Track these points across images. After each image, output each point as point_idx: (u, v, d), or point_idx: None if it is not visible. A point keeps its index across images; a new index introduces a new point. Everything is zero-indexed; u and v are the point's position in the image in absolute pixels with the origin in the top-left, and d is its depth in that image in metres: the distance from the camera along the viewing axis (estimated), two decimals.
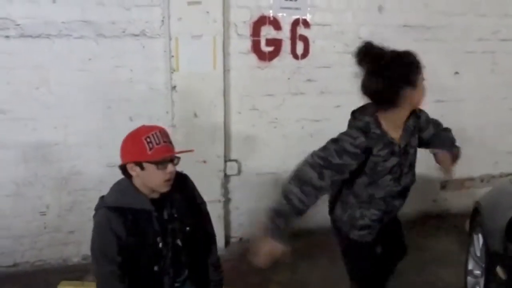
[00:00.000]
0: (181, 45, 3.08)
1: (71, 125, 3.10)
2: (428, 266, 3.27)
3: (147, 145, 1.58)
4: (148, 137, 1.59)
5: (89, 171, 3.18)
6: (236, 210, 3.56)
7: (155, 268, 1.70)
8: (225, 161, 3.40)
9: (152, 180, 1.62)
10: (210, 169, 3.26)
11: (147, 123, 3.24)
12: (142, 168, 1.61)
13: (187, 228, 1.76)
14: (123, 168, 1.66)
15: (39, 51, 2.94)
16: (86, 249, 3.25)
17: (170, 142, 1.66)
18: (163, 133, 1.64)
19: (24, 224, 3.13)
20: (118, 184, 1.72)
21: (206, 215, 1.93)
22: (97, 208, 1.71)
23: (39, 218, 3.16)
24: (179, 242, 1.74)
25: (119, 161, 3.37)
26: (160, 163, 1.60)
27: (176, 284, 1.80)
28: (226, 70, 3.27)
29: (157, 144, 1.58)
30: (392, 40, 3.65)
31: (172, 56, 3.09)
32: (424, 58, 3.97)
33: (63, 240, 3.23)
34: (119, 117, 3.17)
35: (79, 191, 3.18)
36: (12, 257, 3.16)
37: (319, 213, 3.34)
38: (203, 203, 1.92)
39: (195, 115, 3.21)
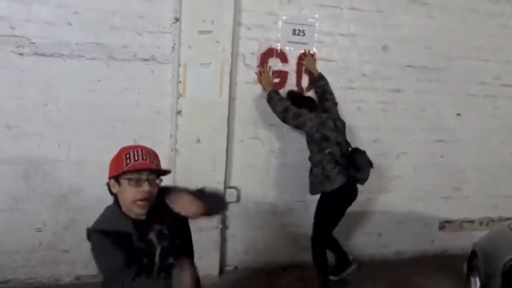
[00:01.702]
0: (189, 71, 3.15)
1: (74, 143, 3.12)
2: None
3: (125, 161, 1.60)
4: (128, 153, 1.62)
5: (88, 189, 3.17)
6: (233, 237, 3.54)
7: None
8: (225, 188, 3.41)
9: (125, 198, 1.62)
10: None
11: (150, 145, 3.29)
12: (119, 184, 1.62)
13: (177, 243, 1.73)
14: (108, 186, 1.69)
15: (51, 69, 3.01)
16: (79, 269, 3.24)
17: (153, 161, 1.64)
18: (146, 152, 1.65)
19: (19, 240, 3.10)
20: (108, 207, 1.73)
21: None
22: (88, 234, 1.71)
23: (35, 235, 3.14)
24: (171, 260, 1.70)
25: None
26: (134, 179, 1.58)
27: None
28: (231, 98, 3.33)
29: (135, 160, 1.59)
30: (396, 78, 3.79)
31: (180, 82, 3.15)
32: (427, 98, 4.10)
33: (57, 258, 3.19)
34: (123, 138, 3.18)
35: (77, 209, 3.17)
36: (3, 273, 3.11)
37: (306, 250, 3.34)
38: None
39: (198, 140, 3.24)
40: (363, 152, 3.22)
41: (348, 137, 3.39)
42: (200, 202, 1.67)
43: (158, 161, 1.69)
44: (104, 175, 3.13)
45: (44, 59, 2.98)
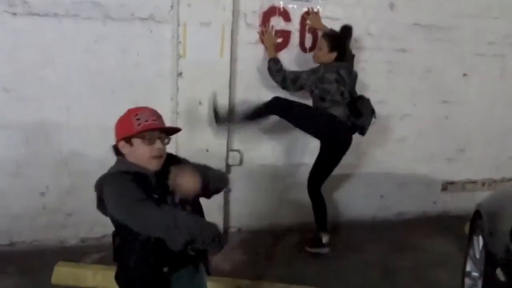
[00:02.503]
0: (189, 31, 3.05)
1: (74, 107, 3.07)
2: (425, 267, 3.27)
3: (135, 122, 1.63)
4: (137, 114, 1.65)
5: (90, 154, 3.15)
6: (236, 200, 3.55)
7: None
8: (228, 151, 3.38)
9: (140, 156, 1.65)
10: (212, 158, 3.23)
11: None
12: (131, 144, 1.65)
13: (187, 207, 1.72)
14: (116, 148, 1.71)
15: (46, 30, 2.91)
16: (84, 232, 3.28)
17: (161, 121, 1.69)
18: (153, 113, 1.69)
19: (23, 204, 3.12)
20: (116, 162, 1.74)
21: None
22: (103, 178, 1.67)
23: (38, 199, 3.15)
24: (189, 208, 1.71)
25: None
26: (147, 138, 1.63)
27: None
28: (233, 59, 3.24)
29: (145, 121, 1.63)
30: (402, 38, 3.67)
31: (180, 42, 3.06)
32: (434, 58, 4.01)
33: (61, 222, 3.22)
34: (123, 101, 3.09)
35: (79, 174, 3.16)
36: (9, 236, 3.15)
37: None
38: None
39: (200, 103, 3.19)
40: (367, 100, 3.21)
41: None
42: (199, 177, 1.63)
43: (163, 121, 1.73)
44: (106, 139, 3.13)
45: (38, 19, 2.87)
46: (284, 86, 3.19)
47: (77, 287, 2.78)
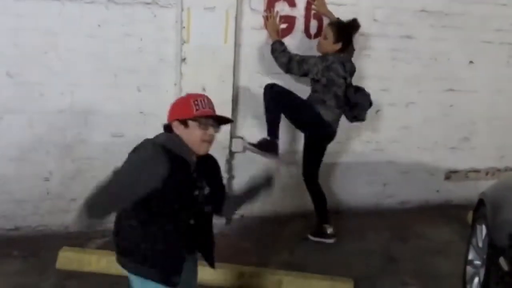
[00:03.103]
0: (193, 16, 3.02)
1: (77, 92, 3.06)
2: (427, 255, 3.28)
3: (194, 107, 1.73)
4: (196, 100, 1.75)
5: (94, 139, 3.16)
6: (240, 187, 3.54)
7: (191, 221, 1.79)
8: (231, 138, 3.37)
9: (193, 138, 1.74)
10: (216, 145, 3.17)
11: (154, 94, 3.25)
12: (186, 126, 1.74)
13: (207, 189, 1.85)
14: (168, 126, 1.79)
15: (49, 14, 2.88)
16: None
17: (214, 111, 1.79)
18: (210, 101, 1.79)
19: (27, 189, 3.13)
20: (165, 134, 1.80)
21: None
22: (145, 143, 1.74)
23: (42, 184, 3.16)
24: (209, 208, 1.88)
25: (125, 131, 3.38)
26: (203, 123, 1.73)
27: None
28: (237, 45, 3.21)
29: (203, 107, 1.74)
30: (409, 24, 3.63)
31: (183, 27, 3.03)
32: (440, 45, 3.96)
33: (65, 207, 3.23)
34: (127, 87, 3.13)
35: (83, 159, 3.17)
36: (14, 220, 3.17)
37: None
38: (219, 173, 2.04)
39: (203, 89, 3.14)
40: (366, 93, 3.22)
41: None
42: None
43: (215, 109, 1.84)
44: (109, 124, 3.15)
45: (41, 2, 2.85)
46: (288, 69, 3.09)
47: (82, 271, 2.80)
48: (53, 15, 2.89)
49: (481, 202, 2.70)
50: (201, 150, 1.78)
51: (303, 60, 3.06)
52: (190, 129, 1.74)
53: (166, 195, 1.67)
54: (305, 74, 3.12)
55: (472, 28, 3.77)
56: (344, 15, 3.39)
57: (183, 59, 3.09)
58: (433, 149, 4.03)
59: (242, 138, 3.43)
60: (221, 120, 1.82)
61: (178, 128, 1.76)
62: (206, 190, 1.84)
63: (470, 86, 3.93)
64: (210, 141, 1.78)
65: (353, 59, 3.32)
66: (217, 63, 3.15)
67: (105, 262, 2.76)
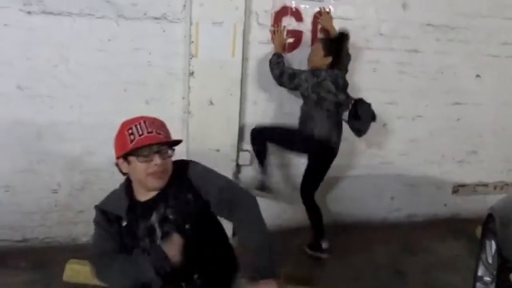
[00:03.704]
0: (201, 31, 3.05)
1: (86, 105, 3.10)
2: (435, 269, 3.24)
3: (128, 137, 1.50)
4: (131, 128, 1.51)
5: (102, 152, 3.17)
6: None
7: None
8: (238, 151, 3.39)
9: (138, 175, 1.53)
10: (223, 158, 3.24)
11: (162, 107, 3.28)
12: (128, 162, 1.54)
13: (186, 226, 1.56)
14: (117, 166, 1.61)
15: (60, 28, 2.93)
16: None
17: (159, 132, 1.52)
18: (150, 123, 1.52)
19: (35, 200, 3.15)
20: (121, 183, 1.69)
21: (217, 190, 1.61)
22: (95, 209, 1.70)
23: (50, 196, 3.18)
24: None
25: None
26: (143, 155, 1.49)
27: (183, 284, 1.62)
28: (244, 59, 3.24)
29: (139, 135, 1.49)
30: (415, 38, 3.65)
31: (192, 42, 3.06)
32: (447, 59, 3.97)
33: (73, 219, 3.25)
34: (135, 100, 3.16)
35: (91, 171, 3.19)
36: (22, 232, 3.19)
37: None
38: (205, 184, 1.61)
39: (211, 102, 3.19)
40: (368, 104, 3.16)
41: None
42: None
43: (166, 130, 1.58)
44: None
45: (52, 17, 2.90)
46: (280, 82, 3.12)
47: (88, 284, 2.79)
48: (64, 30, 2.94)
49: (490, 217, 2.67)
50: (151, 186, 1.53)
51: (294, 74, 3.07)
52: (132, 164, 1.51)
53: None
54: (295, 88, 3.15)
55: (478, 41, 3.78)
56: (350, 29, 3.43)
57: (191, 73, 3.12)
58: (441, 162, 4.01)
59: (248, 151, 3.44)
60: (171, 142, 1.54)
61: (123, 167, 1.55)
62: (161, 231, 1.54)
63: (477, 99, 3.92)
64: (159, 172, 1.50)
65: (358, 73, 3.34)
66: (224, 76, 3.18)
67: None
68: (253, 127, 3.26)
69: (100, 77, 3.07)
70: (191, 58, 3.09)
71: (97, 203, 3.12)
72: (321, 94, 3.03)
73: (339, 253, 3.32)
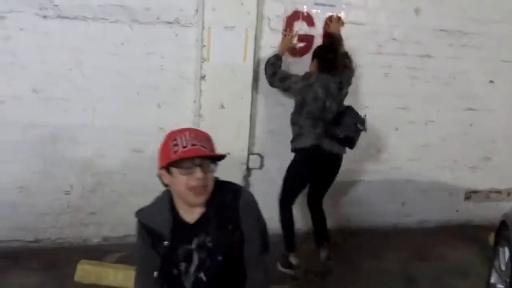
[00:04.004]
0: (213, 35, 3.08)
1: (99, 108, 3.13)
2: (446, 276, 3.21)
3: (172, 148, 1.46)
4: (175, 139, 1.47)
5: (114, 154, 3.22)
6: None
7: None
8: (249, 155, 3.40)
9: (178, 187, 1.49)
10: (233, 161, 3.25)
11: (174, 111, 3.31)
12: (170, 174, 1.50)
13: (219, 258, 1.53)
14: (159, 177, 1.57)
15: (75, 33, 2.98)
16: (106, 231, 3.33)
17: (203, 145, 1.48)
18: (194, 136, 1.49)
19: (48, 202, 3.19)
20: (161, 193, 1.61)
21: (256, 235, 1.60)
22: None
23: (63, 197, 3.22)
24: (202, 276, 1.54)
25: (144, 147, 3.45)
26: (185, 167, 1.45)
27: None
28: (256, 63, 3.26)
29: (183, 146, 1.45)
30: (427, 43, 3.63)
31: (204, 46, 3.09)
32: (459, 64, 3.94)
33: (85, 220, 3.28)
34: (147, 103, 3.19)
35: (103, 174, 3.22)
36: (35, 233, 3.23)
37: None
38: (249, 220, 1.58)
39: (222, 106, 3.21)
40: (354, 113, 3.00)
41: (374, 104, 3.28)
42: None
43: (211, 144, 1.53)
44: (129, 141, 3.21)
45: (67, 22, 2.95)
46: (271, 81, 3.11)
47: (99, 285, 2.82)
48: (79, 34, 2.99)
49: (503, 224, 2.64)
50: (192, 201, 1.48)
51: (286, 76, 3.07)
52: (174, 176, 1.46)
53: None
54: (286, 90, 3.16)
55: (491, 47, 3.75)
56: (362, 34, 3.44)
57: (203, 77, 3.14)
58: (453, 168, 3.98)
59: (259, 154, 3.44)
60: (216, 157, 1.49)
61: (165, 177, 1.51)
62: (198, 258, 1.51)
63: (490, 105, 3.89)
64: (200, 187, 1.45)
65: (370, 78, 3.32)
66: (236, 80, 3.20)
67: (122, 276, 2.78)
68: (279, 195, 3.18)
69: (113, 81, 3.11)
70: (203, 62, 3.12)
71: (108, 205, 3.15)
72: (306, 99, 2.95)
73: (348, 259, 3.30)
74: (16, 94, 2.98)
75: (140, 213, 1.59)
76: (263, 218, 1.65)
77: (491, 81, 3.85)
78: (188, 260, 1.53)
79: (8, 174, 3.08)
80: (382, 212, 3.86)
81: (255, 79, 3.30)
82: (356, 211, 3.78)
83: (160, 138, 3.36)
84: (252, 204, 1.61)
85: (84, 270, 2.89)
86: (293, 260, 3.13)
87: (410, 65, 3.64)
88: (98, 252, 3.11)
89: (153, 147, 3.17)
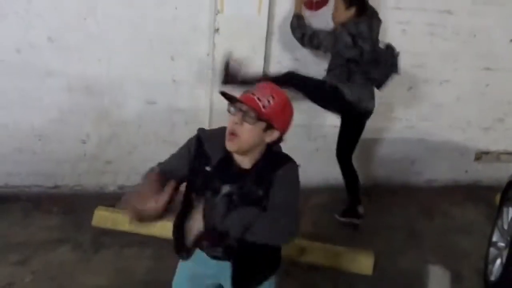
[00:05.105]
0: None
1: (114, 58, 3.15)
2: (451, 233, 3.29)
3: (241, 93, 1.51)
4: (254, 88, 1.52)
5: (128, 105, 3.27)
6: None
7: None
8: None
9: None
10: None
11: (187, 63, 3.30)
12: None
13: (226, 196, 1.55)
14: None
15: None
16: (122, 179, 3.45)
17: (261, 100, 1.45)
18: (261, 89, 1.49)
19: (66, 149, 3.30)
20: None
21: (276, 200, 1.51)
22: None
23: (80, 146, 3.32)
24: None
25: (157, 98, 3.49)
26: (230, 108, 1.48)
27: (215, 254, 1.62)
28: (270, 17, 3.20)
29: (247, 93, 1.49)
30: (449, 1, 3.49)
31: None
32: (479, 22, 3.80)
33: (101, 168, 3.40)
34: (160, 55, 3.19)
35: (119, 124, 3.29)
36: (54, 179, 3.37)
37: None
38: (280, 189, 1.51)
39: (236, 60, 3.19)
40: (393, 53, 2.99)
41: None
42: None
43: (272, 105, 1.46)
44: (142, 91, 3.25)
45: None
46: (302, 43, 3.07)
47: (114, 230, 2.97)
48: None
49: (510, 184, 2.67)
50: (227, 144, 1.48)
51: (314, 34, 2.98)
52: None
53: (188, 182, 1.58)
54: (317, 48, 3.07)
55: None
56: None
57: (216, 29, 3.11)
58: (466, 128, 3.95)
59: None
60: (260, 113, 1.44)
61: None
62: (223, 198, 1.51)
63: (508, 65, 3.79)
64: (230, 133, 1.46)
65: (386, 34, 3.24)
66: (250, 34, 3.16)
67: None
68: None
69: (127, 31, 3.10)
70: (216, 14, 3.08)
71: (123, 154, 3.23)
72: (339, 48, 2.92)
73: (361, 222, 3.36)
74: (32, 42, 3.01)
75: (202, 130, 1.62)
76: (295, 197, 1.55)
77: None
78: (214, 195, 1.54)
79: (28, 122, 3.18)
80: (391, 169, 3.90)
81: (270, 33, 3.25)
82: (364, 168, 3.82)
83: (173, 90, 3.37)
84: (290, 178, 1.55)
85: (101, 216, 3.04)
86: (360, 209, 3.27)
87: (429, 21, 3.53)
88: (114, 200, 3.23)
89: (166, 99, 3.27)
